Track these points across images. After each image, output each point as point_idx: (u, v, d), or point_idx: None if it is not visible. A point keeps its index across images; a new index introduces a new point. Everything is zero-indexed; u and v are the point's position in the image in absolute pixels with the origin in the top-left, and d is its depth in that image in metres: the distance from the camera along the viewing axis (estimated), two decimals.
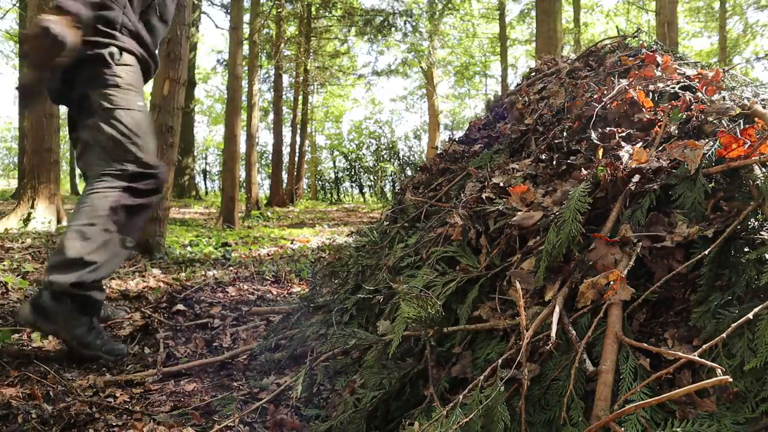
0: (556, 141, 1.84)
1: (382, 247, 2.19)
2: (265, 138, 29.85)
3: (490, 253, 1.53)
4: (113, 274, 2.44)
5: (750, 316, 0.98)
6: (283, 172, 16.45)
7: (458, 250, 1.60)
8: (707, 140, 1.42)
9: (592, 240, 1.30)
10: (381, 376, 1.40)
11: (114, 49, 2.13)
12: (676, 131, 1.60)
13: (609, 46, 2.84)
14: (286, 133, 17.86)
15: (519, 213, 1.52)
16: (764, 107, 1.62)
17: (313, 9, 14.04)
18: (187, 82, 4.87)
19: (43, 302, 1.97)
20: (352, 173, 21.58)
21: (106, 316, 2.46)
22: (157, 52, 2.39)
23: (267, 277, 3.95)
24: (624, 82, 1.99)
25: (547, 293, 1.30)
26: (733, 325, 0.99)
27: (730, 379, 0.83)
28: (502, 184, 1.73)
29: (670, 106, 1.72)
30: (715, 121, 1.56)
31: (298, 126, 18.12)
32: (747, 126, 1.42)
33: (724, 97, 1.71)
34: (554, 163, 1.73)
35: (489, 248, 1.55)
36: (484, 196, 1.69)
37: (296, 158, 17.70)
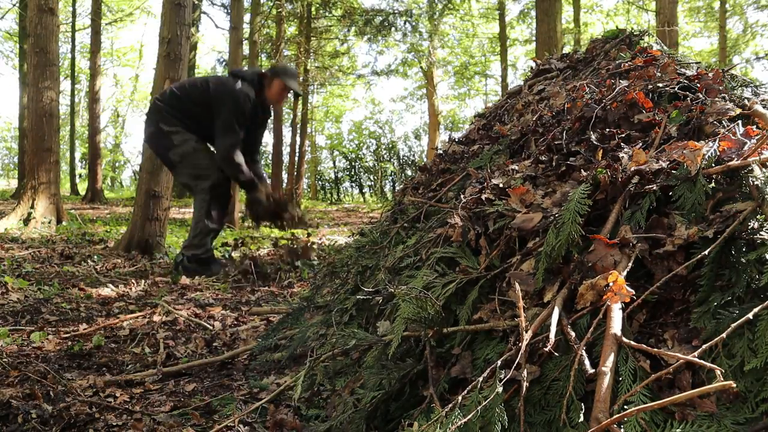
0: (556, 142, 1.84)
1: (382, 248, 2.19)
2: (265, 138, 29.77)
3: (490, 254, 1.53)
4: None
5: (750, 316, 0.98)
6: (283, 172, 16.44)
7: (458, 251, 1.60)
8: (707, 141, 1.42)
9: (592, 241, 1.30)
10: (381, 377, 1.40)
11: None
12: (676, 132, 1.60)
13: (609, 45, 2.84)
14: (286, 133, 17.83)
15: (518, 214, 1.52)
16: (764, 107, 1.62)
17: (313, 9, 14.03)
18: None
19: (183, 261, 3.77)
20: (352, 173, 21.57)
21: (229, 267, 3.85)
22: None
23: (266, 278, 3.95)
24: (624, 83, 1.99)
25: (546, 294, 1.30)
26: (733, 325, 0.99)
27: (734, 384, 0.83)
28: (501, 186, 1.73)
29: (670, 107, 1.72)
30: (715, 122, 1.56)
31: (298, 126, 18.11)
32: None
33: (724, 98, 1.71)
34: (554, 164, 1.73)
35: (488, 249, 1.55)
36: (483, 197, 1.69)
37: (296, 158, 17.68)
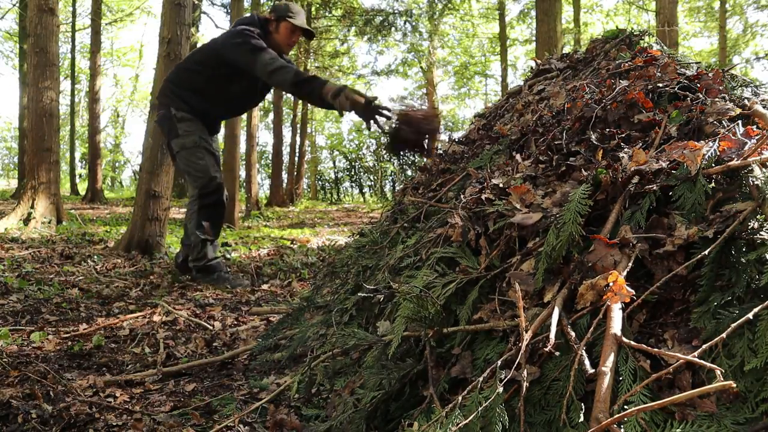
0: (556, 142, 1.84)
1: (382, 248, 2.19)
2: (265, 138, 29.86)
3: (490, 254, 1.53)
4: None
5: (750, 316, 0.98)
6: (283, 172, 16.45)
7: (458, 251, 1.60)
8: (707, 141, 1.42)
9: (592, 241, 1.30)
10: (381, 377, 1.40)
11: None
12: (676, 132, 1.60)
13: (609, 45, 2.84)
14: (286, 133, 17.87)
15: (518, 214, 1.52)
16: (764, 107, 1.62)
17: (313, 9, 14.03)
18: None
19: (194, 273, 3.68)
20: (352, 173, 21.57)
21: (235, 282, 3.64)
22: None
23: (266, 277, 3.95)
24: (624, 83, 1.99)
25: (546, 294, 1.30)
26: (733, 325, 0.99)
27: (734, 384, 0.83)
28: (501, 185, 1.73)
29: (670, 107, 1.72)
30: (715, 122, 1.56)
31: (298, 126, 18.12)
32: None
33: (724, 98, 1.71)
34: (554, 164, 1.73)
35: (489, 249, 1.55)
36: (483, 197, 1.69)
37: (296, 158, 17.69)
